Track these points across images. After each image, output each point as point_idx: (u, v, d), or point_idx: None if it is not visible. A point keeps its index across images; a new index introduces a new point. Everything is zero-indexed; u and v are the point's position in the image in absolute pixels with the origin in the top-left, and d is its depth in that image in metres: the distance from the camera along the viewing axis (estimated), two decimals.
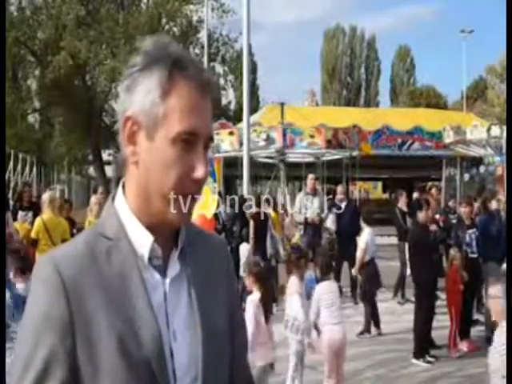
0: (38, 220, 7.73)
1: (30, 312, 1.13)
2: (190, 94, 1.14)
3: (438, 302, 7.63)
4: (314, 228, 10.54)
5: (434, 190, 11.49)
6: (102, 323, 1.10)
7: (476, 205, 8.87)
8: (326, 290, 5.52)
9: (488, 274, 7.67)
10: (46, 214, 7.67)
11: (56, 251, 1.22)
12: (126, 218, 1.19)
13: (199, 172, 1.14)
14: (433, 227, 8.03)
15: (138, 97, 1.15)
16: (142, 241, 1.17)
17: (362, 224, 8.71)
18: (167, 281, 1.19)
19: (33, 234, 7.57)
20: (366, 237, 8.29)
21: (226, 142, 18.65)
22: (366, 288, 8.10)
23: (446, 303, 7.38)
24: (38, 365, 1.08)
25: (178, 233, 1.22)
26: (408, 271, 8.54)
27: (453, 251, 7.53)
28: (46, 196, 7.99)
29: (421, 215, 7.14)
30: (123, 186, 1.22)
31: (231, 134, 18.60)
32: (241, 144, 17.01)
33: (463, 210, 8.25)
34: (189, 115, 1.14)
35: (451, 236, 8.77)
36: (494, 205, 8.43)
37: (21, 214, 9.53)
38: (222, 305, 1.27)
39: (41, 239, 7.47)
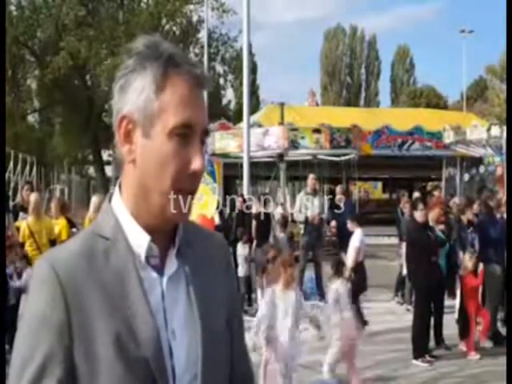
0: (23, 224, 7.73)
1: (29, 313, 1.13)
2: (184, 88, 1.15)
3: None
4: (314, 228, 10.52)
5: (436, 192, 11.46)
6: (99, 323, 1.10)
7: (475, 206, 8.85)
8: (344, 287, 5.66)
9: (488, 275, 7.67)
10: (30, 217, 7.68)
11: (54, 252, 1.22)
12: (123, 217, 1.19)
13: (196, 164, 1.14)
14: (440, 227, 7.90)
15: (133, 95, 1.15)
16: (139, 240, 1.17)
17: (352, 224, 8.49)
18: (164, 279, 1.19)
19: (20, 238, 7.59)
20: (359, 237, 8.24)
21: (307, 140, 17.31)
22: (355, 288, 8.01)
23: (467, 309, 7.19)
24: (36, 364, 1.09)
25: (175, 231, 1.22)
26: (404, 271, 8.50)
27: (467, 254, 7.38)
28: (31, 198, 7.91)
29: (418, 215, 7.09)
30: (120, 186, 1.22)
31: (318, 131, 17.27)
32: (330, 142, 17.07)
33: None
34: (184, 108, 1.14)
35: (455, 237, 8.72)
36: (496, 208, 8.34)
37: (22, 215, 9.50)
38: (221, 303, 1.27)
39: (26, 242, 7.48)
